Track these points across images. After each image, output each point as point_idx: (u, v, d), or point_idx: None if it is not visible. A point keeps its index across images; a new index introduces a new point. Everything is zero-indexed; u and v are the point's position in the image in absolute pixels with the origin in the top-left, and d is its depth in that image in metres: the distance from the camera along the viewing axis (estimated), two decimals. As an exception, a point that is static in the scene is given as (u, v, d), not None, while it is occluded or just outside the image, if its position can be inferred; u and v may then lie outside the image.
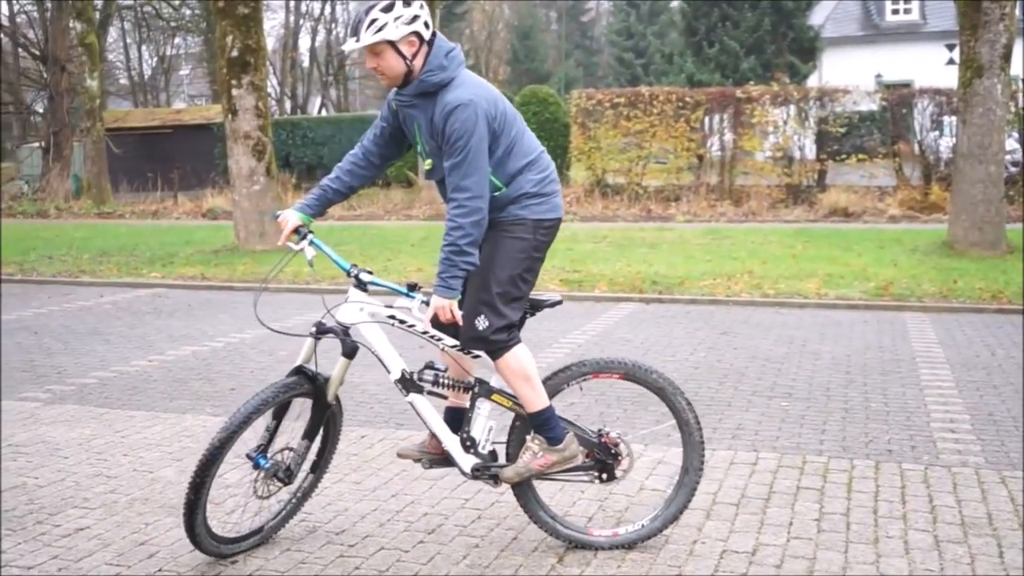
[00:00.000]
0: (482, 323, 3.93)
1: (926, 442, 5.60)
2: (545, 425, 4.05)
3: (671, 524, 4.25)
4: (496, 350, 3.99)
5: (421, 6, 3.89)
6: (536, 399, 4.03)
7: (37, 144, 30.98)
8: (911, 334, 8.67)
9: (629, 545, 4.20)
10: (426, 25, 3.89)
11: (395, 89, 3.99)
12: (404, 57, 3.87)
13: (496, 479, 4.12)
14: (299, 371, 4.08)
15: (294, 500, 4.37)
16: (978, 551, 4.10)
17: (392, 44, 3.84)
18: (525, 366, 4.01)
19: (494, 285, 3.94)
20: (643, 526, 4.22)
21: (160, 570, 4.04)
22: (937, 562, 4.00)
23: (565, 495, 4.74)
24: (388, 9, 3.80)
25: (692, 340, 8.55)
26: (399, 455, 4.35)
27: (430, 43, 3.93)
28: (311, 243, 4.08)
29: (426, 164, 4.07)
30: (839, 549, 4.14)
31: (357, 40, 3.83)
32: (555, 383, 4.17)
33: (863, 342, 8.37)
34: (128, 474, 5.23)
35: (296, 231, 4.10)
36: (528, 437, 4.10)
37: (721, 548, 4.16)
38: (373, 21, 3.80)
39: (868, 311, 9.90)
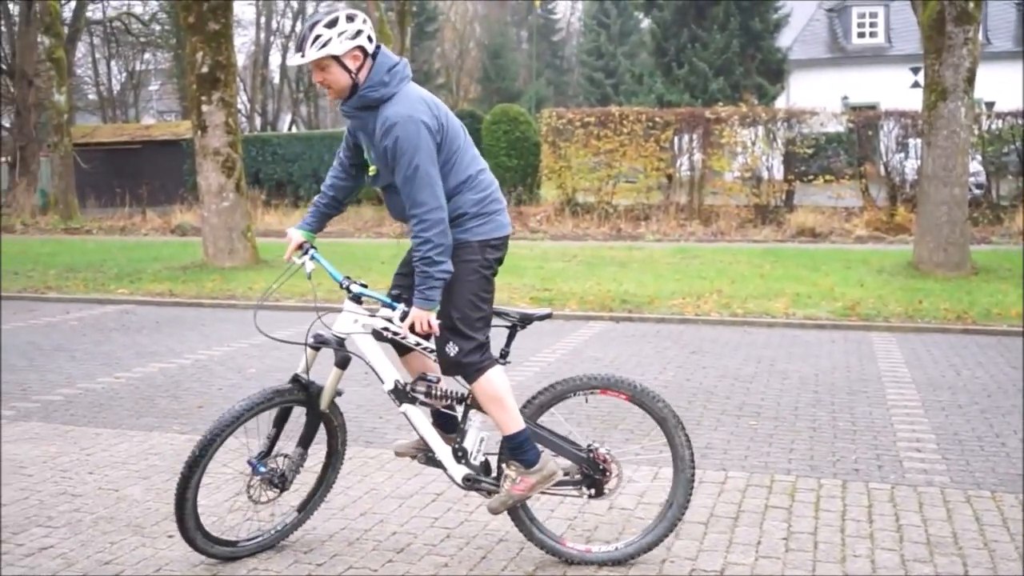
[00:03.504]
0: (452, 349, 4.01)
1: (892, 461, 5.65)
2: (519, 448, 4.07)
3: (644, 553, 4.25)
4: (471, 372, 4.03)
5: (364, 20, 3.94)
6: (510, 422, 4.05)
7: (4, 159, 30.68)
8: (877, 354, 8.75)
9: (599, 564, 4.20)
10: (369, 39, 3.94)
11: (341, 101, 4.05)
12: (349, 71, 3.92)
13: (488, 492, 4.16)
14: (295, 379, 4.21)
15: (274, 532, 4.41)
16: (944, 570, 4.13)
17: (337, 59, 3.89)
18: (498, 389, 4.03)
19: (453, 312, 4.00)
20: (616, 549, 4.23)
21: (125, 590, 4.00)
22: (903, 581, 4.03)
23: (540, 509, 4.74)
24: (332, 24, 3.85)
25: (661, 359, 8.59)
26: (396, 453, 4.41)
27: (374, 57, 3.97)
28: (312, 258, 4.25)
29: (371, 170, 4.13)
30: (807, 568, 4.16)
31: (302, 56, 3.89)
32: (562, 390, 4.21)
33: (830, 362, 8.43)
34: (93, 492, 5.18)
35: (300, 247, 4.26)
36: (504, 465, 4.12)
37: (690, 567, 4.17)
38: (317, 37, 3.85)
39: (835, 331, 9.98)
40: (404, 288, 4.19)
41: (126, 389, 7.60)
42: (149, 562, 4.24)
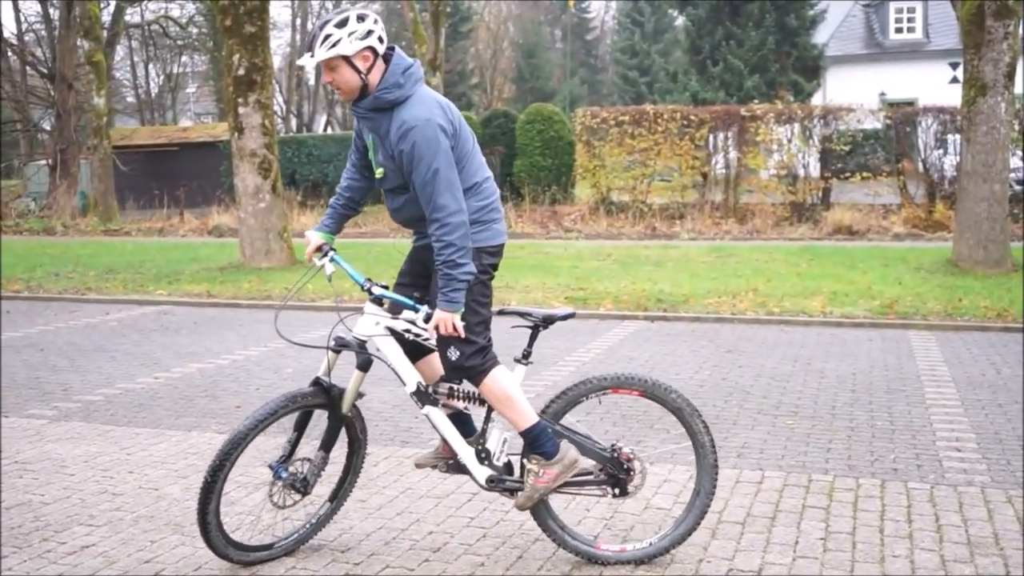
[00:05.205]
0: (453, 354, 4.02)
1: (932, 461, 5.59)
2: (536, 441, 4.08)
3: (678, 545, 4.25)
4: (474, 376, 4.05)
5: (375, 21, 3.93)
6: (522, 418, 4.07)
7: (44, 162, 31.06)
8: (916, 352, 8.66)
9: (635, 562, 4.20)
10: (380, 40, 3.94)
11: (352, 102, 4.04)
12: (359, 71, 3.91)
13: (512, 491, 4.16)
14: (316, 383, 4.21)
15: (309, 526, 4.42)
16: (985, 571, 4.09)
17: (347, 59, 3.88)
18: (505, 388, 4.05)
19: None
20: (651, 544, 4.23)
21: (166, 588, 4.04)
22: (943, 582, 3.99)
23: (575, 509, 4.74)
24: (342, 24, 3.85)
25: (697, 358, 8.55)
26: (417, 465, 4.44)
27: (387, 59, 3.98)
28: (332, 259, 4.26)
29: (378, 172, 4.12)
30: (845, 568, 4.13)
31: (312, 55, 3.88)
32: (575, 395, 4.21)
33: (868, 360, 8.36)
34: (134, 491, 5.24)
35: (319, 249, 4.29)
36: (526, 460, 4.13)
37: (727, 567, 4.16)
38: (328, 36, 3.84)
39: (873, 329, 9.90)
40: (413, 289, 4.21)
41: (165, 389, 7.68)
42: (188, 561, 4.29)
